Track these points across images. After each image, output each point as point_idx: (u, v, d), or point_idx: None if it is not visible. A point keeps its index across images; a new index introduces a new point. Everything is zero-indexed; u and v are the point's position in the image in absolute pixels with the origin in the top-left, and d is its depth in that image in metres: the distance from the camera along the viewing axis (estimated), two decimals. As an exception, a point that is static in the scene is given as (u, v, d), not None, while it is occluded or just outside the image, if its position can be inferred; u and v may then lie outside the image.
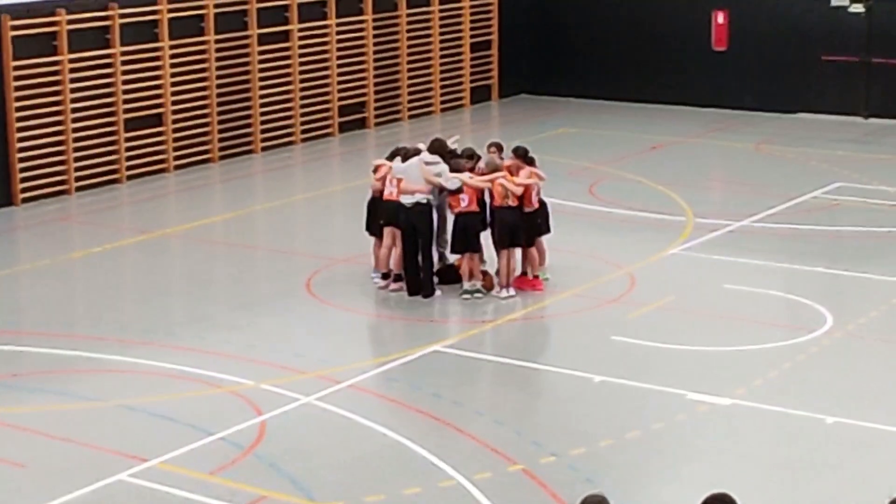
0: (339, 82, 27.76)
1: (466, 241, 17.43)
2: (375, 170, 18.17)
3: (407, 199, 17.43)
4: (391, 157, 18.10)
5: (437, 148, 17.73)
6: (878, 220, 21.03)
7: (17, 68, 22.39)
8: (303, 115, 27.14)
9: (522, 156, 17.78)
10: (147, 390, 14.63)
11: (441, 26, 30.03)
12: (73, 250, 20.25)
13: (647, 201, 22.24)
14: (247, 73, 26.01)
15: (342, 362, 15.32)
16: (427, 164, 17.45)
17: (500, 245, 17.58)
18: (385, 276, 17.84)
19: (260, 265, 19.56)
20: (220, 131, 25.65)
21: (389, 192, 17.63)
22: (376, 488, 12.23)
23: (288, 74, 26.76)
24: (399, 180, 17.49)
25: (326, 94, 27.59)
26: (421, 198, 17.39)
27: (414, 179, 17.40)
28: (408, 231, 17.43)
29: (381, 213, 17.83)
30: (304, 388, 14.54)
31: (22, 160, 22.59)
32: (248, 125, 26.19)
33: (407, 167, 17.54)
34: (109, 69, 23.73)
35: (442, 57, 30.10)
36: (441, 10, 29.94)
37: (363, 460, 12.90)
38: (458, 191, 17.39)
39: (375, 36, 28.48)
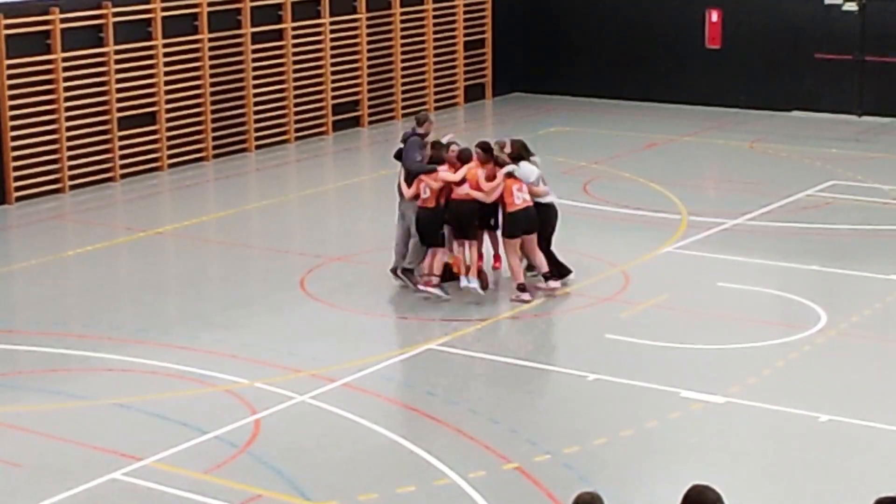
0: (333, 81, 27.76)
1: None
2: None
3: (547, 199, 17.62)
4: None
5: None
6: (872, 219, 21.05)
7: (10, 67, 22.38)
8: (296, 113, 27.14)
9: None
10: (141, 389, 14.62)
11: (434, 25, 30.04)
12: (67, 249, 20.22)
13: (641, 199, 22.25)
14: (240, 71, 26.00)
15: (336, 361, 15.31)
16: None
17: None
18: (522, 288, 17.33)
19: (254, 264, 19.55)
20: (214, 130, 25.64)
21: (523, 200, 17.21)
22: (371, 487, 12.23)
23: (282, 73, 26.75)
24: (530, 185, 17.41)
25: (320, 92, 27.59)
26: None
27: (536, 181, 17.56)
28: (538, 228, 17.47)
29: (518, 223, 17.20)
30: (298, 386, 14.54)
31: (15, 159, 22.58)
32: (242, 123, 26.18)
33: (526, 171, 17.48)
34: (103, 68, 23.71)
35: (435, 55, 30.11)
36: (434, 9, 29.94)
37: (357, 459, 12.90)
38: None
39: (369, 34, 28.47)
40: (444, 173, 17.32)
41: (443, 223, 17.44)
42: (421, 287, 17.38)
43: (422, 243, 17.51)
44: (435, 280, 17.32)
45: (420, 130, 18.07)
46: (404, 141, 18.04)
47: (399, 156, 18.05)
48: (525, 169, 17.47)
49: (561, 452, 12.88)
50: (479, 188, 17.24)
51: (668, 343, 15.80)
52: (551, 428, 13.60)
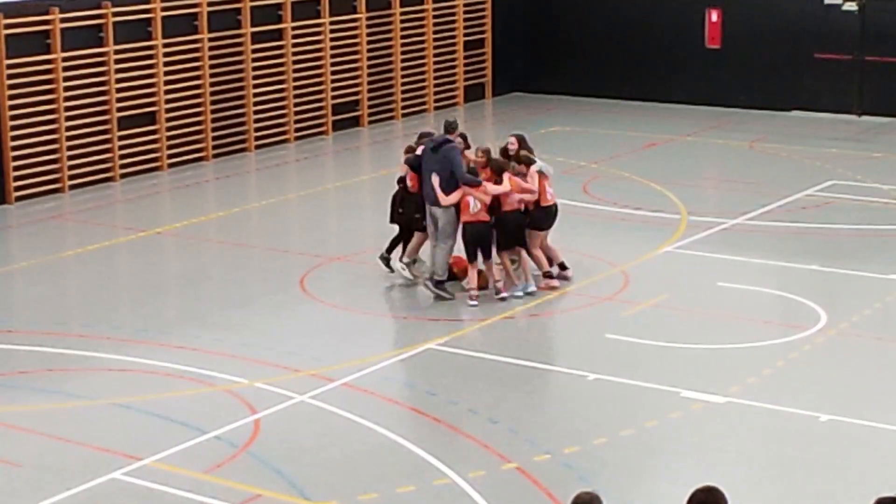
0: (333, 80, 27.76)
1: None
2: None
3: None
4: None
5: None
6: (872, 218, 21.05)
7: (10, 67, 22.38)
8: (296, 113, 27.13)
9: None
10: (141, 389, 14.62)
11: (434, 24, 30.03)
12: (67, 249, 20.22)
13: (640, 199, 22.25)
14: (240, 71, 26.00)
15: (336, 360, 15.31)
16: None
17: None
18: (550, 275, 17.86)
19: (254, 263, 19.54)
20: (214, 129, 25.64)
21: (551, 195, 17.80)
22: (370, 487, 12.23)
23: (281, 73, 26.74)
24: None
25: (320, 92, 27.58)
26: None
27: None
28: None
29: (550, 216, 17.86)
30: (298, 386, 14.54)
31: (15, 158, 22.58)
32: (242, 123, 26.18)
33: (545, 165, 17.90)
34: (103, 67, 23.71)
35: (435, 55, 30.10)
36: (434, 9, 29.94)
37: (357, 459, 12.90)
38: None
39: (369, 34, 28.47)
40: (493, 186, 17.29)
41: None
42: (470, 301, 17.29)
43: (471, 259, 17.32)
44: (475, 293, 17.33)
45: (451, 137, 17.80)
46: (435, 148, 17.49)
47: (417, 163, 17.68)
48: (542, 164, 17.99)
49: (561, 452, 12.88)
50: (524, 190, 17.47)
51: (668, 343, 15.80)
52: (551, 427, 13.60)
